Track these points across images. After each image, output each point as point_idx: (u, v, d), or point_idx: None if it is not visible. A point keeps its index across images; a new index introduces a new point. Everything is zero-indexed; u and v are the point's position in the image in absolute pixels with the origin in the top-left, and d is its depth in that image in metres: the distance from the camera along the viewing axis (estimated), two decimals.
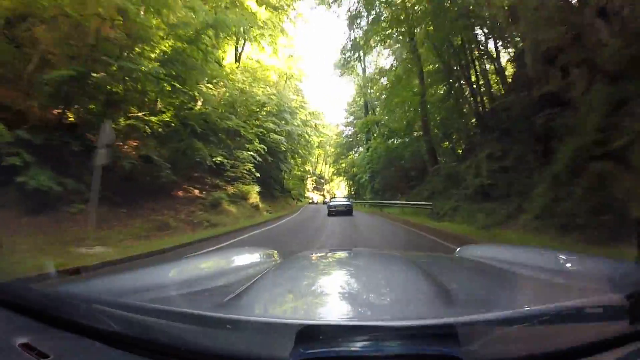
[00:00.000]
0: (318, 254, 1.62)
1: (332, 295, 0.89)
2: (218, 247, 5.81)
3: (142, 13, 7.70)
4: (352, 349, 0.51)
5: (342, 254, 1.59)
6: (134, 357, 0.57)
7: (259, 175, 16.12)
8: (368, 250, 1.93)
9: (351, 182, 51.21)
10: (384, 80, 22.26)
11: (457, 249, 1.64)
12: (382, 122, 24.84)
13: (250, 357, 0.53)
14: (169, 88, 9.26)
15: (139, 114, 9.40)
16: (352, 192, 49.57)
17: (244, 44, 18.70)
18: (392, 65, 20.40)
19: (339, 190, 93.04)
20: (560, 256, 1.15)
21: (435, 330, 0.52)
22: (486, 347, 0.52)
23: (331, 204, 17.13)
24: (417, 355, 0.49)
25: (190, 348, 0.56)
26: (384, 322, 0.57)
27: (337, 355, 0.49)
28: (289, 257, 1.43)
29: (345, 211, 15.51)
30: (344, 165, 51.64)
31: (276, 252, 1.53)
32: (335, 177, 55.88)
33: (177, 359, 0.56)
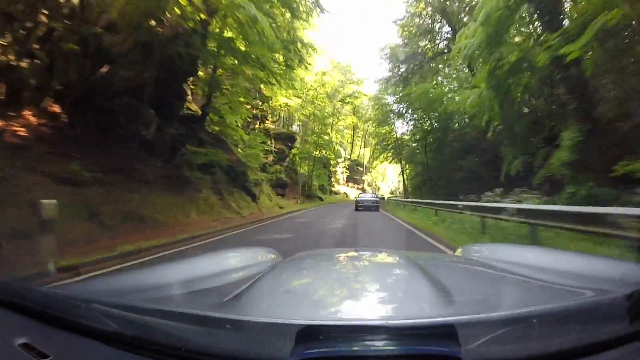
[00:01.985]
0: (318, 254, 1.63)
1: (332, 295, 0.87)
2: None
3: None
4: (352, 348, 0.50)
5: (342, 254, 1.54)
6: (134, 357, 0.58)
7: None
8: (368, 250, 1.90)
9: (408, 164, 27.61)
10: None
11: (457, 249, 1.63)
12: None
13: (250, 357, 0.53)
14: None
15: None
16: (413, 183, 26.68)
17: None
18: None
19: (384, 183, 69.21)
20: (560, 256, 1.17)
21: (435, 330, 0.51)
22: (486, 347, 0.52)
23: (359, 199, 17.56)
24: (417, 355, 0.49)
25: (190, 348, 0.56)
26: (384, 322, 0.56)
27: (337, 355, 0.49)
28: (289, 257, 1.38)
29: (371, 206, 15.63)
30: (390, 138, 28.47)
31: (276, 252, 1.52)
32: (380, 159, 33.81)
33: (177, 359, 0.56)
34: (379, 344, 0.51)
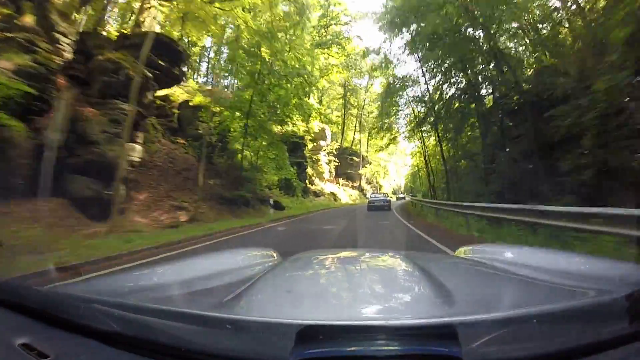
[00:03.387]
0: (318, 254, 1.59)
1: (332, 295, 0.87)
2: None
3: None
4: (352, 348, 0.50)
5: (342, 254, 1.56)
6: (134, 357, 0.57)
7: None
8: (369, 251, 1.92)
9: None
10: None
11: (458, 249, 1.63)
12: None
13: (250, 357, 0.53)
14: None
15: None
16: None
17: None
18: None
19: (386, 180, 54.36)
20: (560, 256, 1.17)
21: (435, 330, 0.51)
22: (486, 347, 0.52)
23: (371, 199, 18.01)
24: (417, 355, 0.49)
25: (190, 348, 0.56)
26: (384, 322, 0.57)
27: (337, 355, 0.49)
28: (289, 257, 1.38)
29: (383, 206, 16.14)
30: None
31: (276, 252, 1.51)
32: (389, 134, 18.29)
33: (177, 359, 0.56)
34: (379, 344, 0.51)
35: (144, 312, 0.62)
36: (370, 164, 40.86)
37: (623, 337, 0.57)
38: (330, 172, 31.99)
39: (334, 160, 32.68)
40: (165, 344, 0.57)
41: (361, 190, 38.72)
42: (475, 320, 0.53)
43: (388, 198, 18.89)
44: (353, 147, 40.25)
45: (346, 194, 32.71)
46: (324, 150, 30.64)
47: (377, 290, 0.90)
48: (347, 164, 37.97)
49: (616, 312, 0.58)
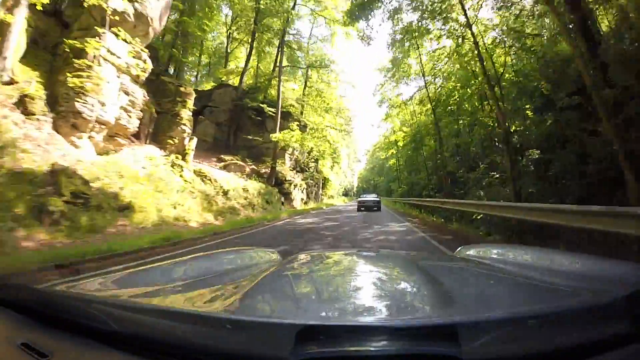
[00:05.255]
0: (318, 254, 1.59)
1: (332, 296, 0.88)
2: None
3: None
4: (352, 349, 0.51)
5: (342, 254, 1.57)
6: (134, 357, 0.58)
7: None
8: (369, 251, 1.92)
9: None
10: None
11: (457, 249, 1.65)
12: None
13: (250, 357, 0.54)
14: None
15: None
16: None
17: None
18: None
19: (334, 173, 28.68)
20: (560, 257, 1.17)
21: (435, 330, 0.52)
22: (486, 347, 0.52)
23: (361, 199, 18.40)
24: (417, 355, 0.49)
25: (190, 348, 0.56)
26: (384, 322, 0.58)
27: (337, 355, 0.50)
28: (289, 257, 1.40)
29: (373, 206, 16.53)
30: None
31: (276, 252, 1.54)
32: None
33: (177, 359, 0.56)
34: (379, 345, 0.51)
35: (143, 312, 0.63)
36: (307, 128, 19.94)
37: (623, 338, 0.57)
38: (144, 118, 9.86)
39: (181, 89, 10.80)
40: (165, 344, 0.57)
41: (279, 184, 16.81)
42: (475, 321, 0.55)
43: (378, 199, 18.74)
44: (270, 94, 19.01)
45: (197, 216, 10.79)
46: (114, 35, 8.76)
47: (377, 290, 0.90)
48: (251, 124, 16.54)
49: (616, 313, 0.59)
